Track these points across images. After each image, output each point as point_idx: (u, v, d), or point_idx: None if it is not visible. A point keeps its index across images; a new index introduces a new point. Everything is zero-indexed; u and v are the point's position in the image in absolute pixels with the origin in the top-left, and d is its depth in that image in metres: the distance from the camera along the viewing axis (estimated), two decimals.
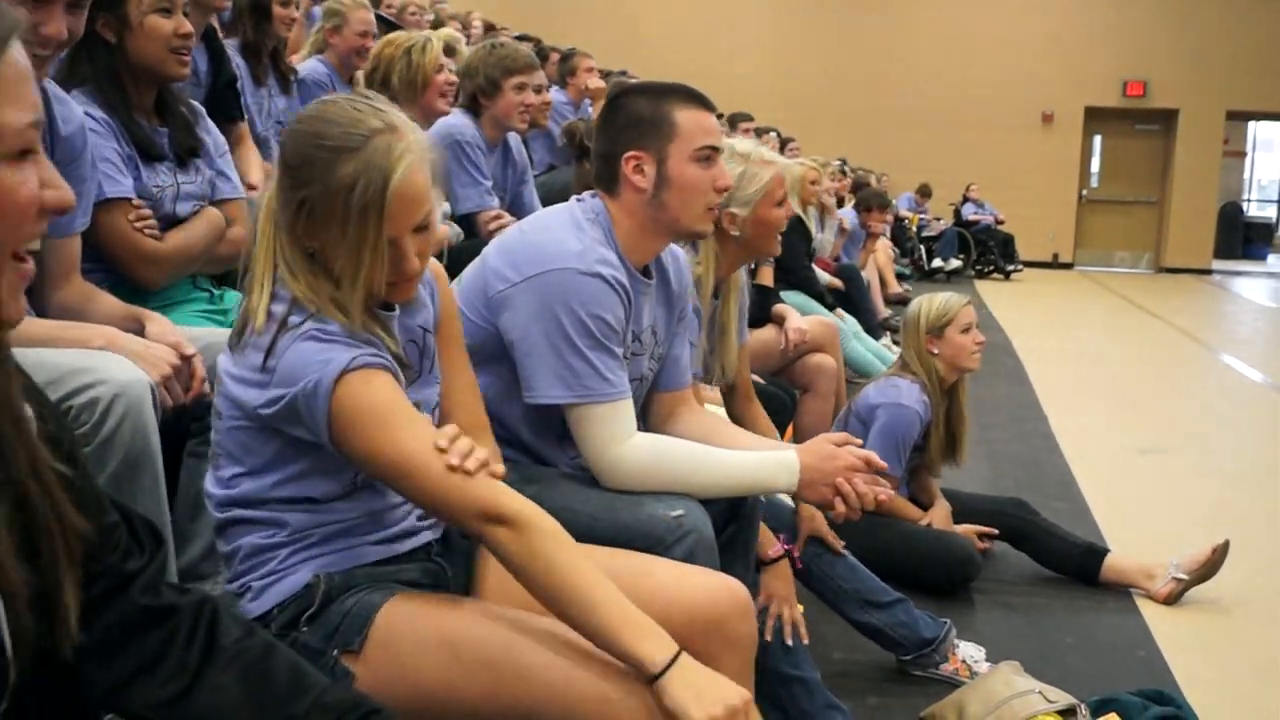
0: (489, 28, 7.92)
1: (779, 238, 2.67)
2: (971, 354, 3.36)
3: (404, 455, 1.41)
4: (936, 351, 3.37)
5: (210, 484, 1.55)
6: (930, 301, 3.45)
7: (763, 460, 1.95)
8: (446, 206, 3.45)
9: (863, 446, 1.96)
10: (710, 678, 1.32)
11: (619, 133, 2.00)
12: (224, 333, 1.93)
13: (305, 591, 1.50)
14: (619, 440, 1.88)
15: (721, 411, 2.88)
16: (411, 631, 1.45)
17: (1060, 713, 2.33)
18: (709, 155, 1.98)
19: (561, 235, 1.92)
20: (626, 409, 1.91)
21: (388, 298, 1.53)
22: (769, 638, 2.21)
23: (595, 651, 1.38)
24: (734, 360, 2.69)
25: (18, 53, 0.92)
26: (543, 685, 1.37)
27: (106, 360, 1.73)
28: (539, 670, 1.38)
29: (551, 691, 1.37)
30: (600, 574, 1.38)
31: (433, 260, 1.71)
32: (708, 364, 2.66)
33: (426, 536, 1.63)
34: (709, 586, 1.62)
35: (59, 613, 0.95)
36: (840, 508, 1.91)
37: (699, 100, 2.02)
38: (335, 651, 1.46)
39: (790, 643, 2.26)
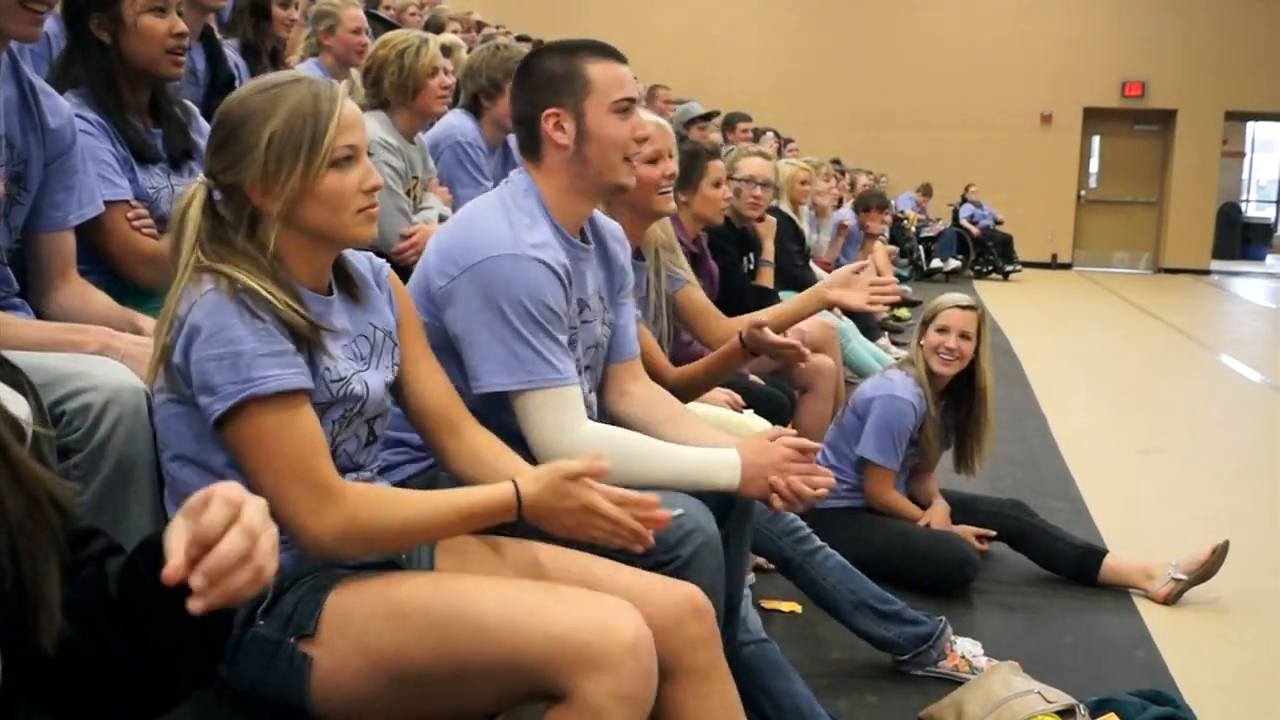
0: (482, 26, 7.93)
1: (661, 195, 2.59)
2: (936, 352, 3.36)
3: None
4: (923, 345, 3.41)
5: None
6: (936, 298, 3.49)
7: (707, 457, 1.94)
8: (445, 208, 3.45)
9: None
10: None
11: (535, 93, 2.01)
12: None
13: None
14: (569, 429, 1.87)
15: (721, 411, 2.88)
16: (361, 607, 1.49)
17: (1059, 713, 2.33)
18: (626, 107, 2.00)
19: (492, 223, 1.93)
20: (575, 396, 1.90)
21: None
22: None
23: (540, 597, 1.45)
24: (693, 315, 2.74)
25: None
26: (490, 634, 1.42)
27: (100, 365, 1.72)
28: (484, 620, 1.42)
29: (499, 639, 1.41)
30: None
31: (389, 268, 1.75)
32: (658, 330, 2.68)
33: None
34: (666, 593, 1.64)
35: (41, 609, 0.94)
36: (777, 503, 1.93)
37: (610, 53, 2.03)
38: (293, 639, 1.48)
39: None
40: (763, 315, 2.62)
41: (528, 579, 1.63)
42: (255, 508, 0.92)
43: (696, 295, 2.83)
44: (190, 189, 1.54)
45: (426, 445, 1.79)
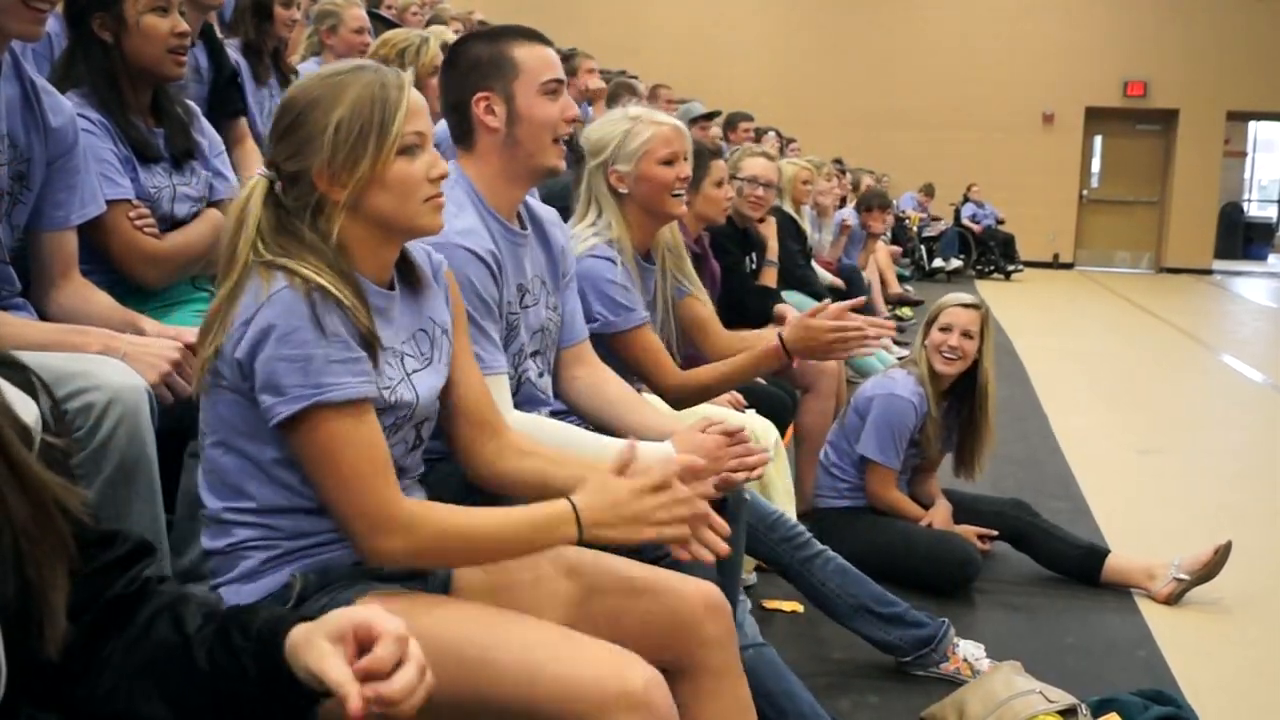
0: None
1: (674, 198, 2.58)
2: (939, 350, 3.37)
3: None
4: (926, 344, 3.41)
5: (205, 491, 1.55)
6: (940, 298, 3.50)
7: (643, 450, 1.94)
8: None
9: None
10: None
11: (464, 78, 2.04)
12: None
13: (282, 591, 1.50)
14: None
15: (724, 411, 2.87)
16: None
17: (1060, 713, 2.33)
18: (555, 88, 2.03)
19: None
20: (500, 386, 1.91)
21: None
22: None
23: (562, 644, 1.41)
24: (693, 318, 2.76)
25: None
26: (509, 680, 1.39)
27: (102, 365, 1.72)
28: (505, 665, 1.40)
29: (514, 688, 1.38)
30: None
31: (448, 264, 1.74)
32: (665, 334, 2.67)
33: None
34: (684, 591, 1.64)
35: (47, 616, 0.94)
36: (713, 492, 1.92)
37: (535, 37, 2.07)
38: None
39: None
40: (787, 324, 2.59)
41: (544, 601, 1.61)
42: (412, 639, 1.01)
43: (698, 307, 2.82)
44: (250, 182, 1.52)
45: (456, 447, 1.74)
